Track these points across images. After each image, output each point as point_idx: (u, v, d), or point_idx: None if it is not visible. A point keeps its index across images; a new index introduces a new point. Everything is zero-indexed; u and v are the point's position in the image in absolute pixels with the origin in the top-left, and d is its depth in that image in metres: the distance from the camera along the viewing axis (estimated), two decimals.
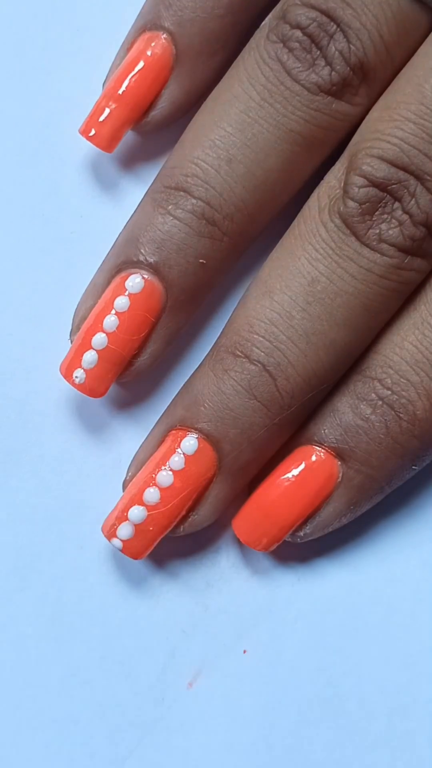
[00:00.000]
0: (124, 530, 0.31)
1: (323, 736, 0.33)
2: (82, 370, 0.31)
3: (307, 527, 0.32)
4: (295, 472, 0.31)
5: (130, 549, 0.31)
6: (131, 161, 0.35)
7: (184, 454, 0.31)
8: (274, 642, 0.33)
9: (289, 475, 0.31)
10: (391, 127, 0.29)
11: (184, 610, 0.33)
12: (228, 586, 0.34)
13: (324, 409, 0.31)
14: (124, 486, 0.32)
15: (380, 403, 0.31)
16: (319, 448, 0.31)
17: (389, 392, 0.31)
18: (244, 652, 0.33)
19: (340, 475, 0.31)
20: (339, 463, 0.31)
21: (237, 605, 0.33)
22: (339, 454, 0.31)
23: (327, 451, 0.31)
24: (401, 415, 0.31)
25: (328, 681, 0.33)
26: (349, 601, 0.34)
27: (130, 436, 0.33)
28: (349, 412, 0.31)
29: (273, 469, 0.32)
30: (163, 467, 0.31)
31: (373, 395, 0.31)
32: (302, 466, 0.31)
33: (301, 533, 0.32)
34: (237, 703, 0.33)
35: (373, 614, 0.34)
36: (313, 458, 0.31)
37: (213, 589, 0.33)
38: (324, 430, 0.31)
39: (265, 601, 0.34)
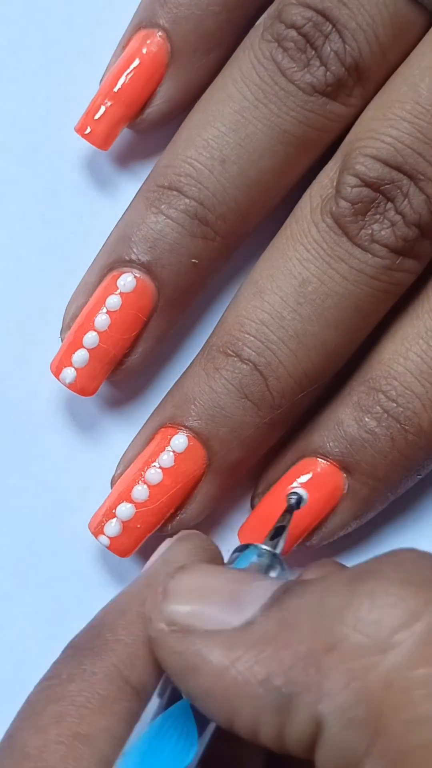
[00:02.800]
0: (112, 527, 0.31)
1: None
2: (73, 369, 0.31)
3: (314, 538, 0.32)
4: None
5: (117, 546, 0.31)
6: (127, 159, 0.34)
7: (173, 451, 0.31)
8: None
9: None
10: (385, 126, 0.29)
11: None
12: None
13: (328, 421, 0.31)
14: (113, 483, 0.32)
15: (385, 416, 0.30)
16: (325, 461, 0.31)
17: (394, 404, 0.30)
18: None
19: (346, 487, 0.31)
20: (345, 475, 0.31)
21: None
22: (344, 466, 0.31)
23: (332, 463, 0.31)
24: (407, 427, 0.30)
25: None
26: None
27: (122, 434, 0.33)
28: (354, 425, 0.31)
29: (278, 481, 0.32)
30: (152, 464, 0.31)
31: (378, 408, 0.30)
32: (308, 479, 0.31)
33: (307, 543, 0.32)
34: None
35: None
36: (319, 471, 0.31)
37: None
38: (329, 443, 0.31)
39: None
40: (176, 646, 0.23)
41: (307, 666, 0.21)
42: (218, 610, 0.23)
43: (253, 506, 0.32)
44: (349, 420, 0.31)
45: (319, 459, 0.31)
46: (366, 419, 0.31)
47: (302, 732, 0.21)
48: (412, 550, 0.22)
